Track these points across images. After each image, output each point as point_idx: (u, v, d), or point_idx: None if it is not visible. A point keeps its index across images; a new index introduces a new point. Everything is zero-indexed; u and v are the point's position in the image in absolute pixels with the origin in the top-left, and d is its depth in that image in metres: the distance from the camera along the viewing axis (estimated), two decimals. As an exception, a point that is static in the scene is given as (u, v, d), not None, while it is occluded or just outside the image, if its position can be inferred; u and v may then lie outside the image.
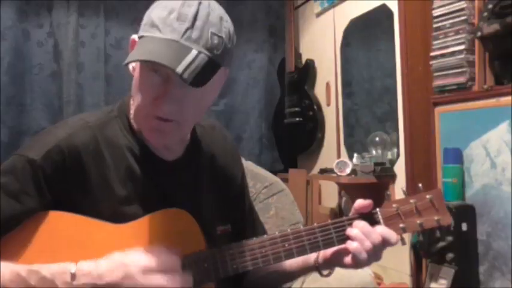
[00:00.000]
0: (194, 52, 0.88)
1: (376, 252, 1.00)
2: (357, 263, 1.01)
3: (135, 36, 1.00)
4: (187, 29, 0.89)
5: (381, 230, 1.01)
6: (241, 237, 1.10)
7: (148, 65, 0.92)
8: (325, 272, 1.09)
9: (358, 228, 1.01)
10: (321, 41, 3.32)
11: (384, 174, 2.57)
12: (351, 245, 1.00)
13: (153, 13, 0.93)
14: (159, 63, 0.87)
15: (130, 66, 1.02)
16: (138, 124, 1.02)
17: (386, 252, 1.03)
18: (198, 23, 0.89)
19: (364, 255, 0.99)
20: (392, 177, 2.57)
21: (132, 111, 1.04)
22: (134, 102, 1.00)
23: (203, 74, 0.88)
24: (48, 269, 0.90)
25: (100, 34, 3.28)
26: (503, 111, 1.99)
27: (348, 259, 1.02)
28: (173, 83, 0.92)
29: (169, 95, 0.92)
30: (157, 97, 0.93)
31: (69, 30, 3.18)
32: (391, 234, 1.01)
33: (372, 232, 1.00)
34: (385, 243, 1.00)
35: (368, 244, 0.99)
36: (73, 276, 0.88)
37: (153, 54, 0.88)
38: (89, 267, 0.89)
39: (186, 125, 1.00)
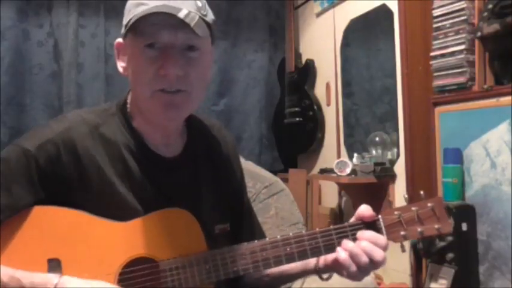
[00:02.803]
0: (185, 10, 0.92)
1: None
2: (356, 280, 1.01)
3: (120, 40, 1.00)
4: None
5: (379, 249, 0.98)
6: (238, 237, 1.10)
7: (146, 39, 0.94)
8: (325, 276, 1.09)
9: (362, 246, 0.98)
10: (321, 41, 3.32)
11: (384, 174, 2.57)
12: (348, 269, 0.98)
13: None
14: (161, 12, 0.90)
15: (120, 67, 1.05)
16: (145, 109, 1.01)
17: (387, 253, 1.02)
18: None
19: (362, 277, 0.99)
20: (392, 177, 2.57)
21: (131, 106, 1.05)
22: (136, 91, 1.01)
23: (199, 26, 0.92)
24: (29, 279, 0.89)
25: (100, 34, 3.28)
26: (503, 111, 1.99)
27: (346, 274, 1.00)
28: (172, 49, 0.94)
29: (172, 60, 0.94)
30: (160, 66, 0.94)
31: (69, 30, 3.18)
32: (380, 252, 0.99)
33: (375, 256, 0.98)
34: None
35: (368, 268, 0.98)
36: None
37: (151, 10, 0.91)
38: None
39: (194, 96, 1.00)
